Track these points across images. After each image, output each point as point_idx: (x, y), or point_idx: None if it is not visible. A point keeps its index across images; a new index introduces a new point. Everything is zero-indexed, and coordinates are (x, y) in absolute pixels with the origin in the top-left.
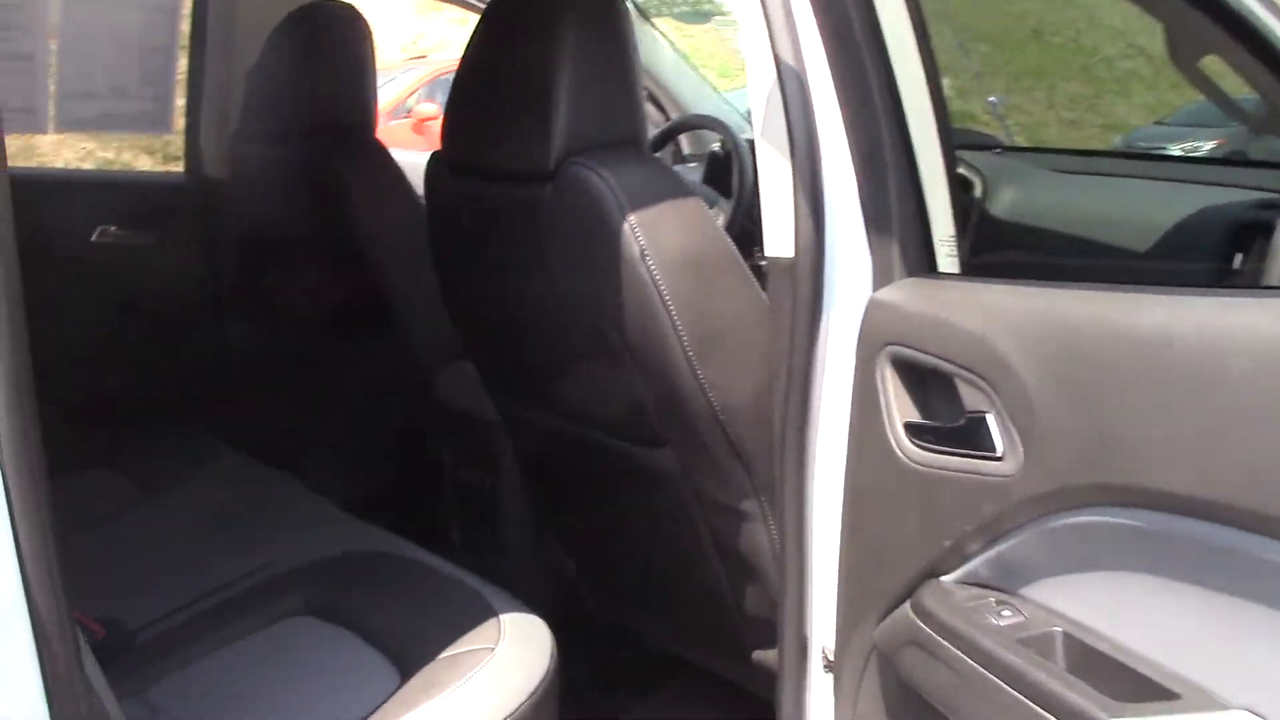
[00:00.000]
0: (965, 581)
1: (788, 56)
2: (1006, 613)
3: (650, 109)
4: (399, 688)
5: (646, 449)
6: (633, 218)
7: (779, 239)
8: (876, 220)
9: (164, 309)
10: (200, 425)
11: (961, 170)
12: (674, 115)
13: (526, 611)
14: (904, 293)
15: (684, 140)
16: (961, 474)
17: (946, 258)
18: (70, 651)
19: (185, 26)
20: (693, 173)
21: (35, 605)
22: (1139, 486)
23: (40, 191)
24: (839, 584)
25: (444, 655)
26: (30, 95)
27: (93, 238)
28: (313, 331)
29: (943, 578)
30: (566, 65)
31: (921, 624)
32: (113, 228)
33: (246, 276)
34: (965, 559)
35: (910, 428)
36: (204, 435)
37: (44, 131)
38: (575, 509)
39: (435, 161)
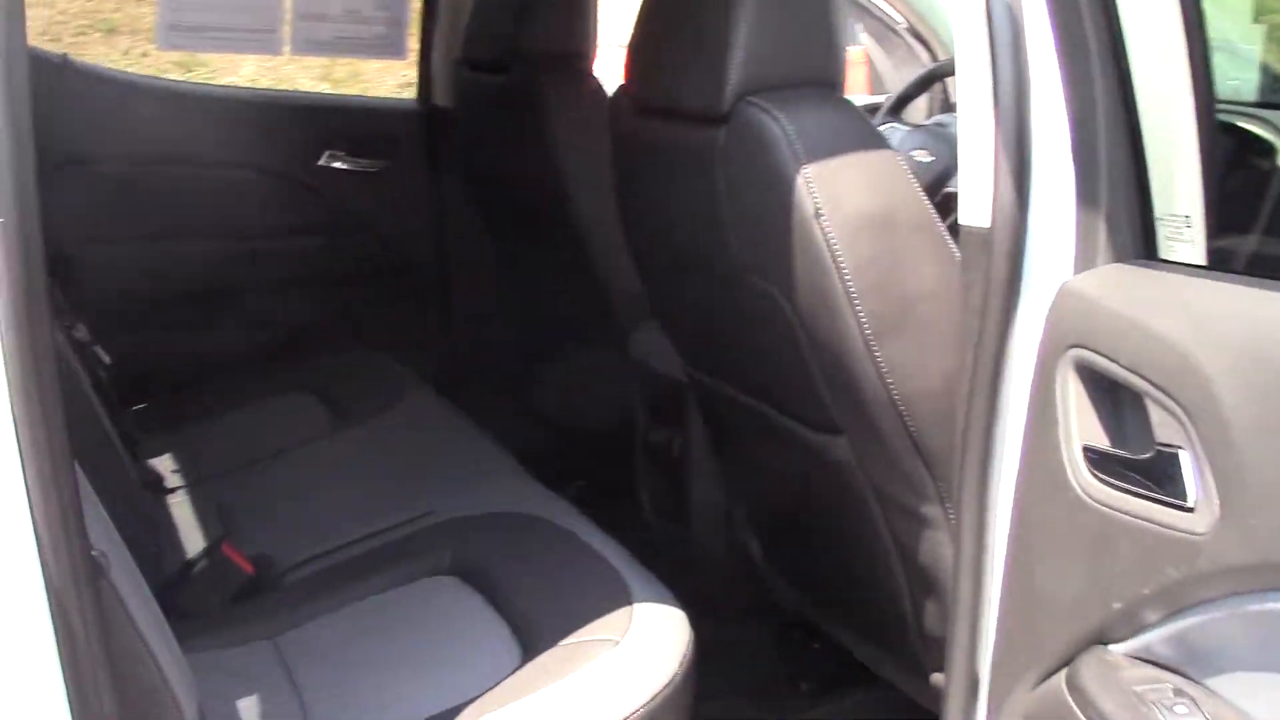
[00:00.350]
0: (1137, 656)
1: None
2: (1182, 708)
3: (916, 47)
4: (518, 668)
5: (822, 434)
6: (809, 169)
7: (976, 204)
8: (1084, 189)
9: (386, 236)
10: (407, 357)
11: (1259, 131)
12: (942, 57)
13: (667, 603)
14: (1103, 282)
15: (951, 85)
16: (1143, 522)
17: (1176, 241)
18: (90, 611)
19: None
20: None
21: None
22: None
23: (269, 112)
24: (998, 625)
25: (568, 642)
26: (267, 17)
27: (319, 161)
28: (526, 274)
29: (1111, 645)
30: None
31: (1075, 705)
32: (341, 152)
33: (467, 209)
34: (1139, 628)
35: (1091, 454)
36: (406, 370)
37: (278, 53)
38: (758, 488)
39: (617, 99)
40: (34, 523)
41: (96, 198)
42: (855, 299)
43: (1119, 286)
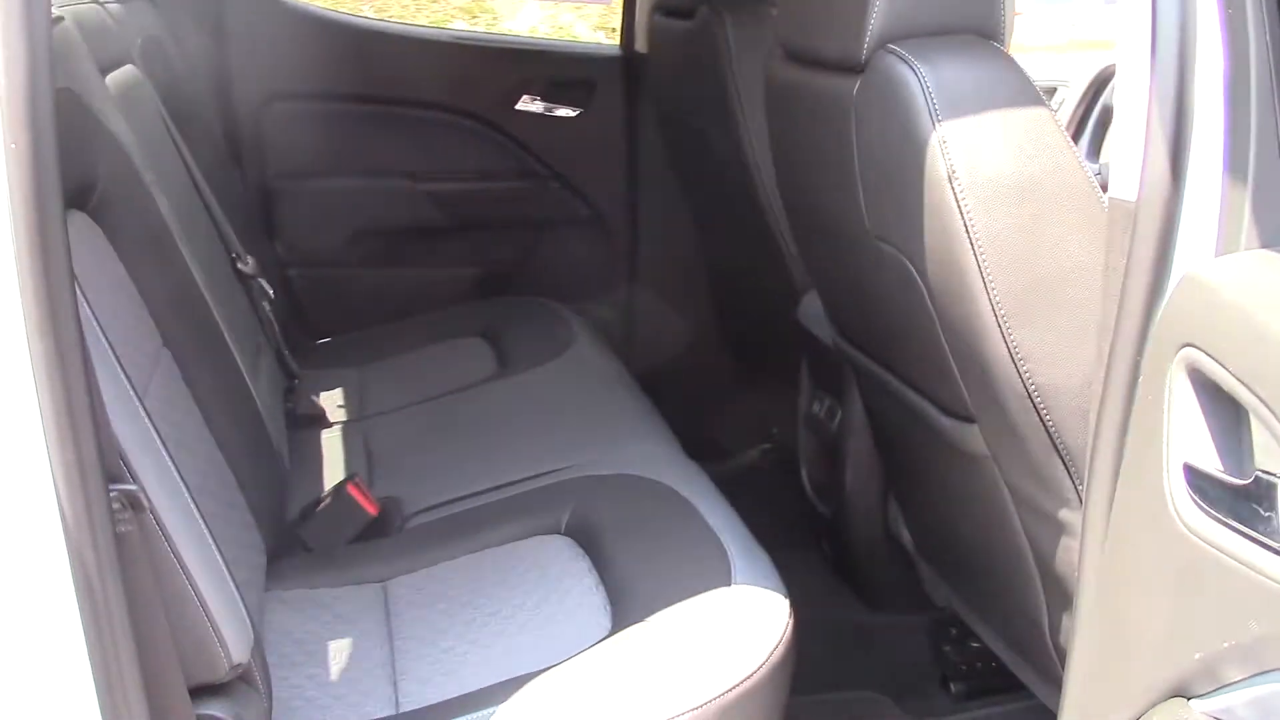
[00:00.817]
0: (1217, 716)
1: None
2: None
3: None
4: (604, 639)
5: (956, 420)
6: (945, 126)
7: (1125, 174)
8: (1233, 160)
9: (579, 183)
10: (591, 306)
11: None
12: None
13: (769, 587)
14: (1234, 271)
15: None
16: (1232, 560)
17: None
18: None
19: None
20: None
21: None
22: None
23: (471, 55)
24: (1078, 659)
25: (655, 618)
26: None
27: (517, 105)
28: (710, 230)
29: (1192, 700)
30: None
31: None
32: (539, 97)
33: (661, 159)
34: (1221, 685)
35: (1192, 474)
36: (580, 319)
37: None
38: (907, 474)
39: (774, 44)
40: (49, 460)
41: (300, 133)
42: (989, 274)
43: (1251, 277)
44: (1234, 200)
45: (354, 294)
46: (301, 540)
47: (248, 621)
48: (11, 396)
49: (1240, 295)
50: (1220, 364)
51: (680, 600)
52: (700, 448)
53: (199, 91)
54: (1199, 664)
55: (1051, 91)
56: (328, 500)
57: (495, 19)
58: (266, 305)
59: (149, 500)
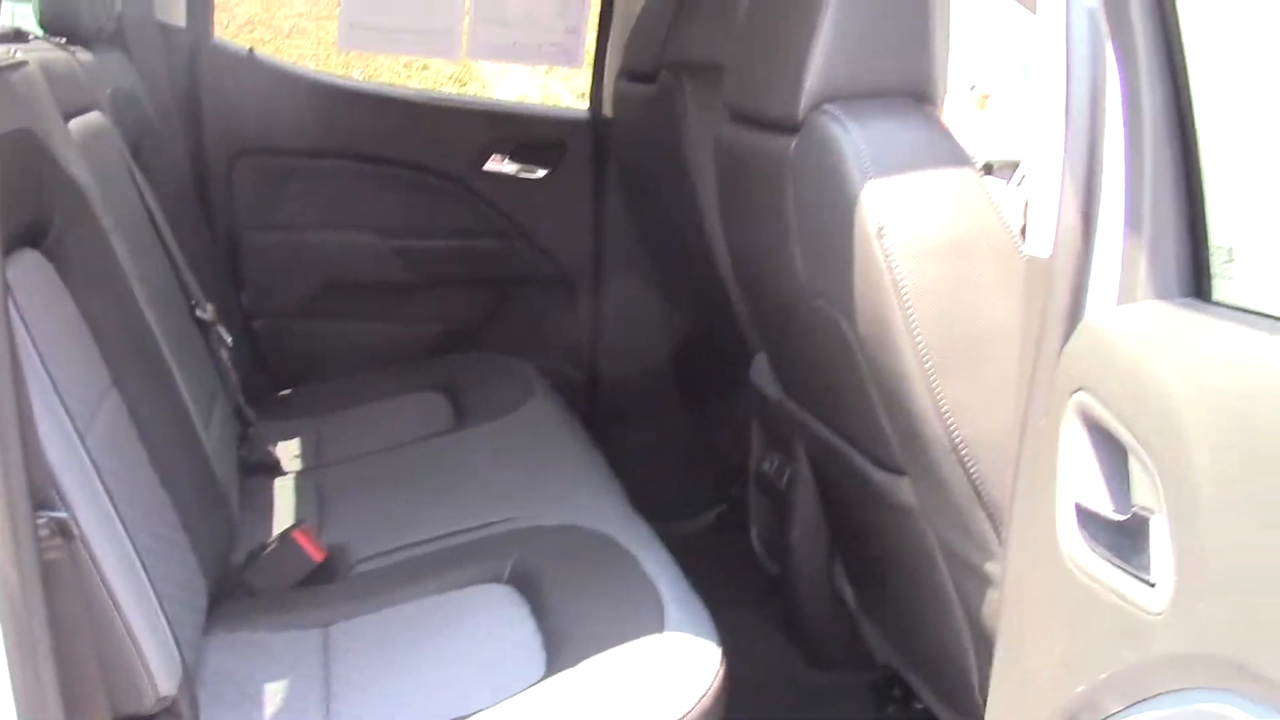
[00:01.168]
0: None
1: None
2: None
3: None
4: (537, 682)
5: (888, 474)
6: (875, 184)
7: (1040, 234)
8: (1131, 216)
9: (544, 243)
10: (554, 365)
11: None
12: None
13: (701, 635)
14: (1125, 320)
15: None
16: (1110, 594)
17: (1220, 278)
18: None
19: None
20: None
21: None
22: (1268, 679)
23: (441, 115)
24: (990, 702)
25: (588, 662)
26: (447, 19)
27: (485, 166)
28: (669, 291)
29: None
30: None
31: None
32: (505, 158)
33: (626, 221)
34: (1105, 717)
35: (1081, 513)
36: (539, 377)
37: (454, 57)
38: (847, 530)
39: (721, 105)
40: None
41: (269, 186)
42: (916, 329)
43: (1138, 326)
44: (1132, 256)
45: (318, 346)
46: (246, 584)
47: (177, 655)
48: None
49: (1125, 342)
50: (1105, 406)
51: (613, 645)
52: (658, 508)
53: (170, 141)
54: (1082, 696)
55: (1014, 166)
56: (274, 545)
57: (484, 86)
58: (224, 353)
59: (80, 529)
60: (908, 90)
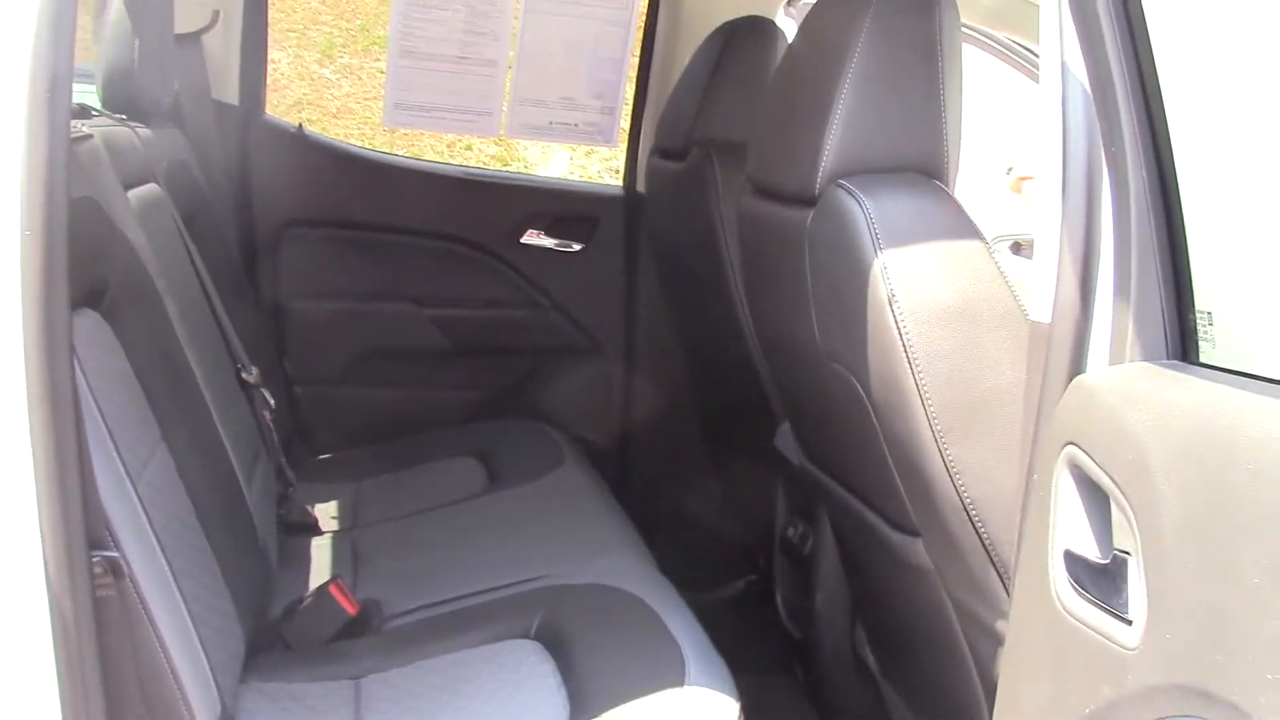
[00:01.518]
0: None
1: (1074, 64)
2: None
3: None
4: None
5: (903, 536)
6: (887, 254)
7: (1042, 301)
8: (1119, 287)
9: (578, 315)
10: (586, 435)
11: None
12: None
13: (723, 693)
14: (1112, 379)
15: None
16: (1093, 633)
17: (1203, 341)
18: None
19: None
20: None
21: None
22: (1229, 703)
23: (479, 190)
24: None
25: (609, 715)
26: (488, 99)
27: (521, 239)
28: (700, 363)
29: None
30: (855, 70)
31: None
32: (542, 232)
33: (659, 295)
34: None
35: (1069, 559)
36: (571, 443)
37: (494, 134)
38: (867, 593)
39: (744, 180)
40: (40, 525)
41: (314, 257)
42: (926, 392)
43: (1123, 384)
44: (1121, 321)
45: (357, 412)
46: (282, 637)
47: (215, 694)
48: (11, 461)
49: (1108, 398)
50: (1089, 456)
51: (634, 699)
52: (688, 576)
53: (221, 213)
54: None
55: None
56: (310, 599)
57: (527, 166)
58: (267, 414)
59: (130, 569)
60: (918, 166)
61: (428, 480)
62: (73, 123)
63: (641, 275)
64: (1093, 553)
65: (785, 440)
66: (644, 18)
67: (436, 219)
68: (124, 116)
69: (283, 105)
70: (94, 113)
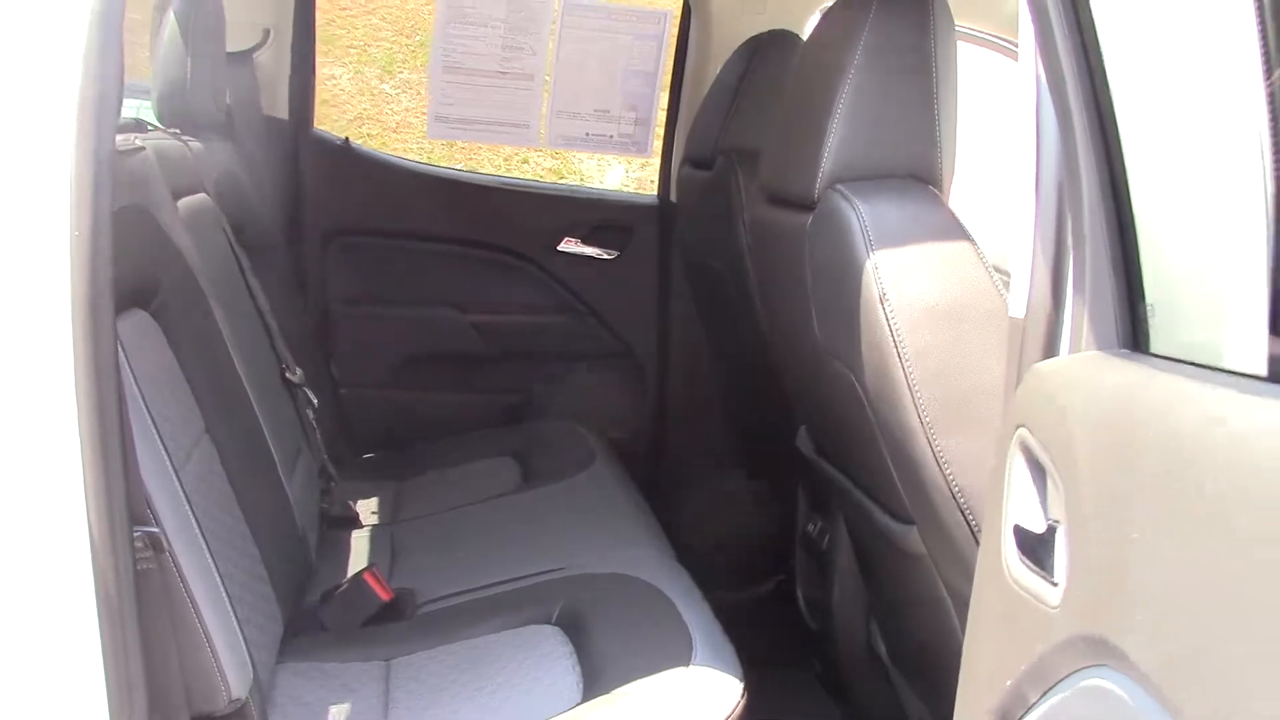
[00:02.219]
0: None
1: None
2: None
3: None
4: (573, 707)
5: (900, 524)
6: (878, 255)
7: (1017, 298)
8: (1076, 277)
9: (612, 320)
10: (619, 436)
11: None
12: None
13: (728, 674)
14: (1062, 367)
15: None
16: (1029, 596)
17: (1152, 332)
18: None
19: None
20: None
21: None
22: (1120, 652)
23: (518, 200)
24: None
25: (618, 692)
26: (526, 112)
27: (558, 247)
28: (727, 366)
29: None
30: (852, 82)
31: None
32: (578, 240)
33: (690, 300)
34: (1026, 708)
35: (1019, 533)
36: (602, 443)
37: (535, 145)
38: (875, 582)
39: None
40: (86, 501)
41: (360, 265)
42: (916, 386)
43: (1070, 371)
44: (1078, 312)
45: (400, 414)
46: (320, 621)
47: (249, 662)
48: (62, 441)
49: (1052, 382)
50: (1034, 436)
51: (643, 677)
52: (719, 576)
53: (270, 222)
54: (1010, 691)
55: None
56: (346, 585)
57: (583, 179)
58: (310, 412)
59: (169, 544)
60: (911, 172)
61: (466, 478)
62: (127, 136)
63: (674, 282)
64: (1034, 524)
65: (804, 439)
66: (676, 32)
67: (477, 228)
68: (177, 130)
69: (343, 120)
70: (149, 127)
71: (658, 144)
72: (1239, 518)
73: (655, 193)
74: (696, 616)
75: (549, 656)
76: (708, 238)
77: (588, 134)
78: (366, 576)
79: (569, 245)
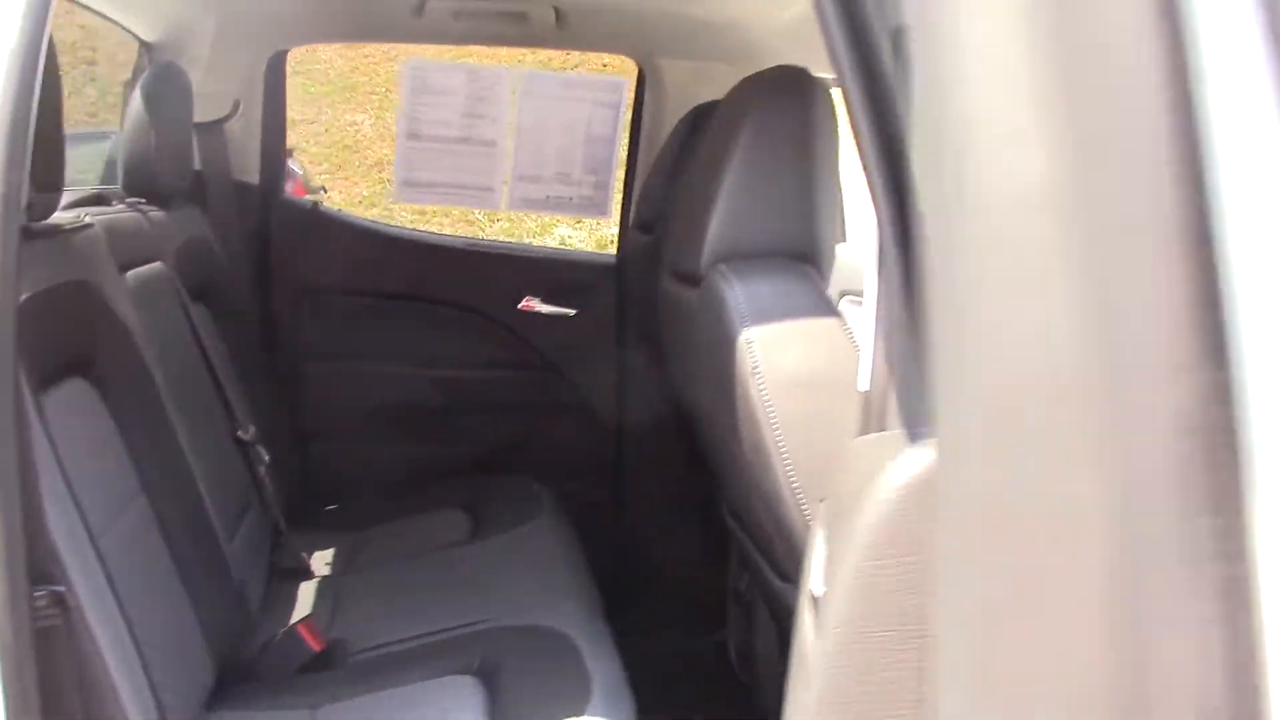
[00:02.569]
0: None
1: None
2: None
3: None
4: None
5: (782, 582)
6: (751, 331)
7: (863, 368)
8: (889, 368)
9: (572, 376)
10: (573, 483)
11: None
12: None
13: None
14: (865, 444)
15: None
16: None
17: None
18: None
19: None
20: None
21: None
22: None
23: (480, 260)
24: None
25: None
26: (489, 176)
27: (519, 305)
28: (680, 428)
29: None
30: (735, 163)
31: None
32: (539, 298)
33: (641, 360)
34: None
35: (811, 599)
36: (552, 498)
37: (496, 208)
38: (787, 638)
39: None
40: None
41: (327, 322)
42: (784, 454)
43: (857, 447)
44: (900, 390)
45: (365, 466)
46: (255, 670)
47: (156, 716)
48: None
49: (843, 457)
50: (825, 510)
51: None
52: (677, 624)
53: (240, 283)
54: None
55: None
56: (280, 637)
57: (561, 242)
58: (262, 469)
59: (78, 602)
60: (788, 251)
61: (418, 530)
62: (77, 212)
63: (631, 338)
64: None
65: (726, 500)
66: (632, 99)
67: (442, 287)
68: (141, 200)
69: (364, 165)
70: (113, 200)
71: (619, 205)
72: None
73: (614, 252)
74: (600, 666)
75: (462, 709)
76: (650, 300)
77: (549, 196)
78: (300, 628)
79: (530, 305)
